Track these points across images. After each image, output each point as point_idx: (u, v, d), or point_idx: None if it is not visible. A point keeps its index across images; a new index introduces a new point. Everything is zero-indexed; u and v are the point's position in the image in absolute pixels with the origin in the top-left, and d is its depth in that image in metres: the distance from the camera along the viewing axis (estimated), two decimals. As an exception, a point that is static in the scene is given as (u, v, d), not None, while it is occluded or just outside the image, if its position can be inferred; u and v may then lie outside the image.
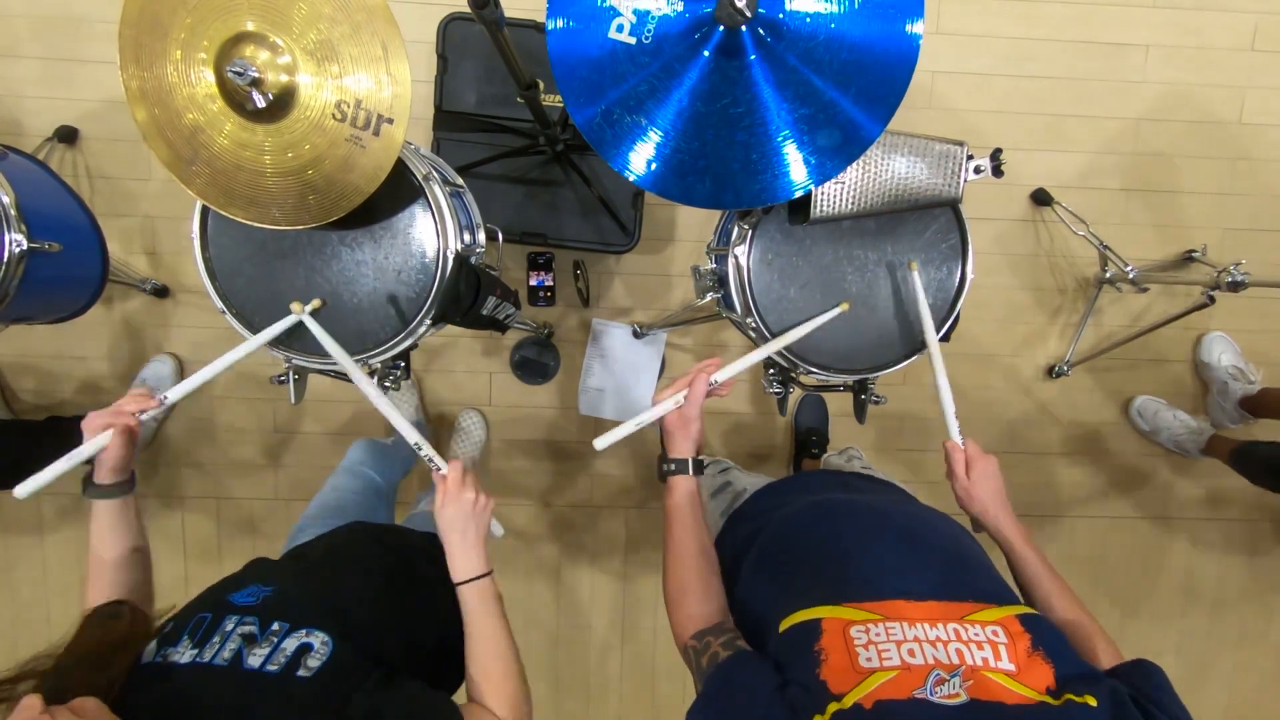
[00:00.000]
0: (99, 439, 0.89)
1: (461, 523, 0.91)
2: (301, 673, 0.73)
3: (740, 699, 0.69)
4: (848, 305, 1.12)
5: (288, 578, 0.90)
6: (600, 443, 0.95)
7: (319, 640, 0.76)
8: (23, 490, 0.85)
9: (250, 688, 0.71)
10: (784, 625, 0.73)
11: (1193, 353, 2.14)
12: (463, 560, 0.91)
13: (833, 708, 0.61)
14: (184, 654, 0.74)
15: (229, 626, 0.77)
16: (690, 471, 0.97)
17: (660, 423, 0.99)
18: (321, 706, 0.71)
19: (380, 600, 0.93)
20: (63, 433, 1.82)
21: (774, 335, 1.16)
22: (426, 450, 0.97)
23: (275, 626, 0.77)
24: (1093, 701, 0.60)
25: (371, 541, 1.09)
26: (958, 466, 0.99)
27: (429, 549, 1.06)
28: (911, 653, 0.65)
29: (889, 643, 0.66)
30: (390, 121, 0.95)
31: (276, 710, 0.70)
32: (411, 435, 0.97)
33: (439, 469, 0.95)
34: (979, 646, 0.65)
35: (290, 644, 0.75)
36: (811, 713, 0.62)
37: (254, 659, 0.73)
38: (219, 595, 0.83)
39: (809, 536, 0.91)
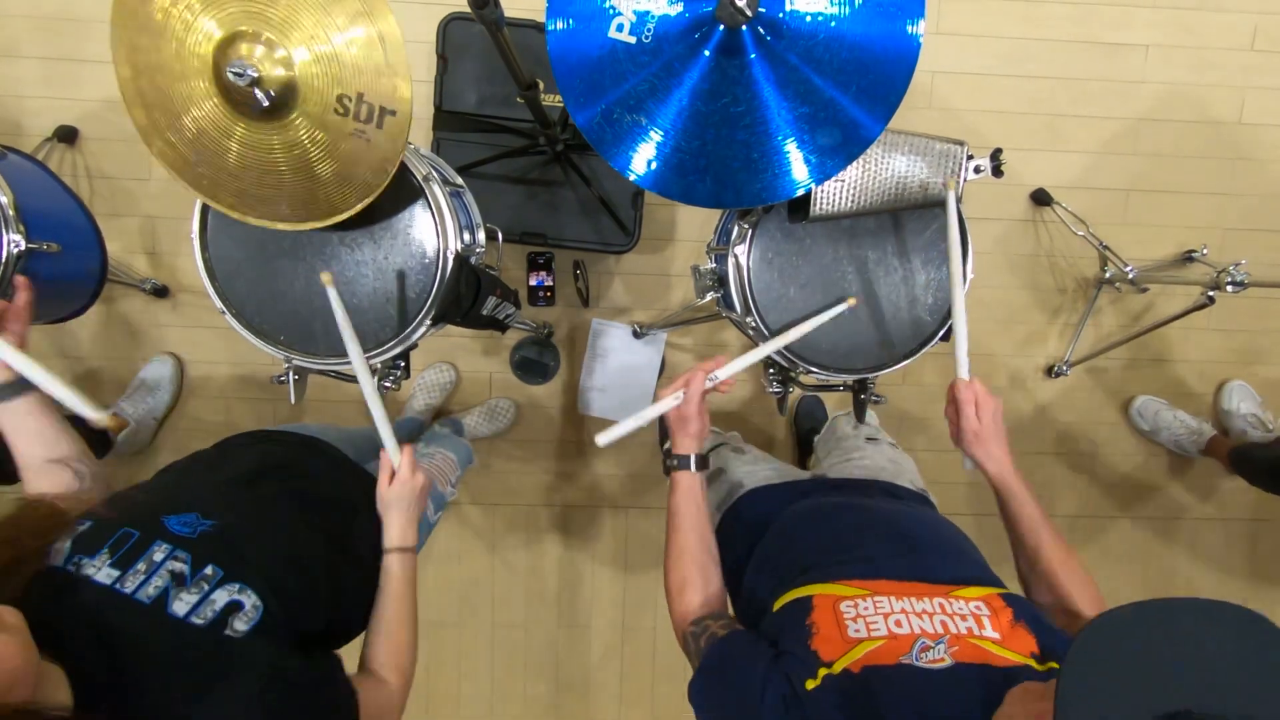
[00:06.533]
0: None
1: (408, 501, 1.01)
2: (229, 632, 0.72)
3: (737, 669, 0.72)
4: (855, 300, 1.10)
5: (231, 510, 0.86)
6: (602, 439, 0.97)
7: (250, 603, 0.75)
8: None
9: (176, 637, 0.69)
10: (778, 605, 0.76)
11: (1213, 400, 2.16)
12: (402, 531, 1.00)
13: (823, 673, 0.65)
14: (100, 570, 0.70)
15: (157, 556, 0.73)
16: (693, 468, 0.98)
17: (664, 420, 1.01)
18: (246, 670, 0.69)
19: (314, 570, 0.90)
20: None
21: (775, 333, 1.16)
22: (386, 434, 1.01)
23: (208, 570, 0.74)
24: None
25: (319, 498, 1.04)
26: (968, 407, 0.95)
27: (372, 508, 1.04)
28: (898, 623, 0.68)
29: (876, 615, 0.69)
30: (393, 113, 0.95)
31: (204, 665, 0.68)
32: (379, 412, 1.02)
33: (391, 452, 1.02)
34: (963, 619, 0.69)
35: (221, 597, 0.73)
36: (804, 678, 0.65)
37: (180, 605, 0.71)
38: (153, 513, 0.78)
39: (802, 538, 0.95)
